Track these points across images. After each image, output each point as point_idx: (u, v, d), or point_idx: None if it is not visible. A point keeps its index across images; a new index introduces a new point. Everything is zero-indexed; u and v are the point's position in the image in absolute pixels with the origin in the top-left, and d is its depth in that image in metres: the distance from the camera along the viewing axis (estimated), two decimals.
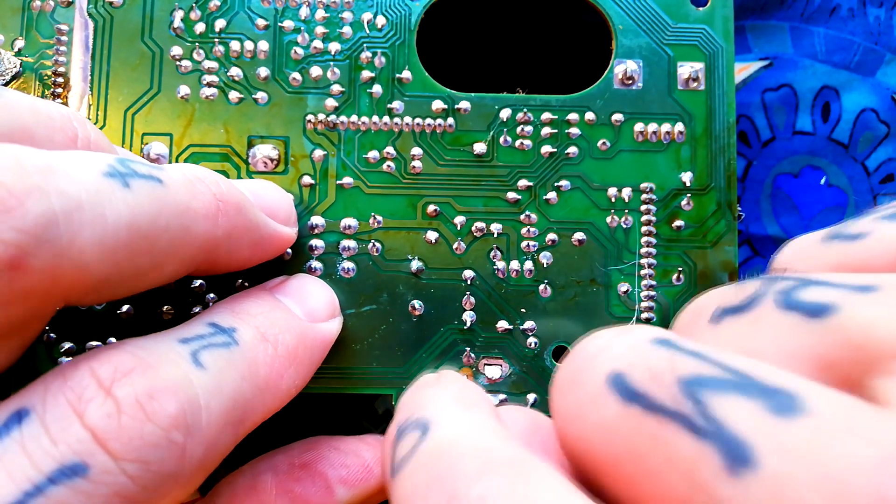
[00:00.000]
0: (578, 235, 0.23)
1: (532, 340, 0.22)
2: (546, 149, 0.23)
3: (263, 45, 0.23)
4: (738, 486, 0.11)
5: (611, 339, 0.14)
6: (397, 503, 0.15)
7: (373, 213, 0.23)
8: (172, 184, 0.17)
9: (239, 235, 0.19)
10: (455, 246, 0.23)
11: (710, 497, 0.11)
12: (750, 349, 0.13)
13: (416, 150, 0.23)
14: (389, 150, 0.23)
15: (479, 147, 0.23)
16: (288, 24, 0.23)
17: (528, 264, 0.23)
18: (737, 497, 0.11)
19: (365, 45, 0.23)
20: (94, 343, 0.21)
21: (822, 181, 0.29)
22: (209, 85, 0.23)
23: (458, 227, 0.23)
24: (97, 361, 0.15)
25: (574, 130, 0.23)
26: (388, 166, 0.23)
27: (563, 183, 0.23)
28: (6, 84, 0.23)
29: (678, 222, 0.23)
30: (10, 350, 0.16)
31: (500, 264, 0.23)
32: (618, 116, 0.23)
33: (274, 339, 0.19)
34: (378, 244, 0.23)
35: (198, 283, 0.22)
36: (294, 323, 0.20)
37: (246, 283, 0.22)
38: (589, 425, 0.13)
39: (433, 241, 0.23)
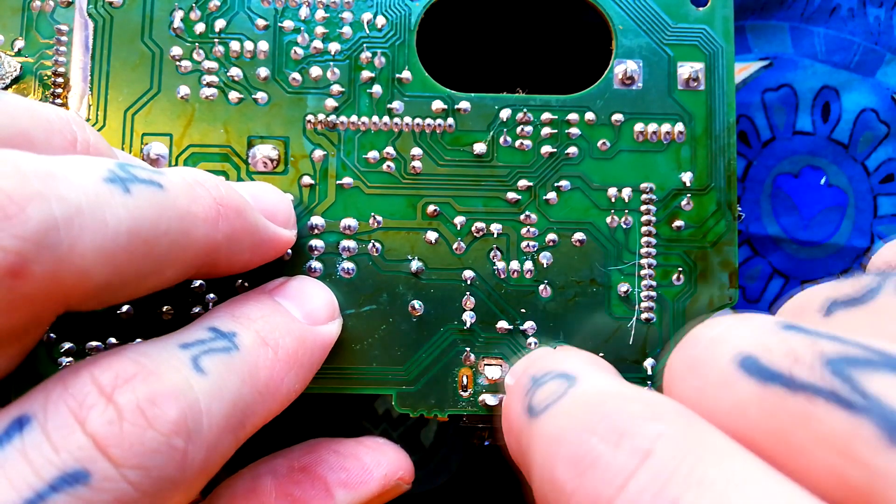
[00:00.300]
0: (578, 235, 0.23)
1: (532, 340, 0.22)
2: (546, 149, 0.23)
3: (263, 46, 0.23)
4: None
5: (732, 325, 0.15)
6: (543, 441, 0.15)
7: (373, 214, 0.23)
8: (172, 188, 0.17)
9: (239, 239, 0.19)
10: (455, 246, 0.23)
11: (868, 468, 0.11)
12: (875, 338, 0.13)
13: (416, 151, 0.23)
14: (389, 150, 0.23)
15: (479, 147, 0.23)
16: (288, 24, 0.23)
17: (528, 264, 0.23)
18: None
19: (365, 45, 0.23)
20: (95, 343, 0.21)
21: (822, 181, 0.29)
22: (209, 85, 0.23)
23: (458, 228, 0.23)
24: (98, 368, 0.15)
25: (574, 130, 0.23)
26: (388, 166, 0.23)
27: (563, 183, 0.23)
28: (6, 87, 0.23)
29: (678, 222, 0.23)
30: (11, 356, 0.16)
31: (500, 264, 0.23)
32: (618, 116, 0.23)
33: (274, 343, 0.19)
34: (378, 244, 0.23)
35: (197, 283, 0.22)
36: (294, 326, 0.20)
37: (246, 284, 0.22)
38: (717, 407, 0.14)
39: (433, 241, 0.23)
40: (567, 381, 0.16)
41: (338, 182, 0.23)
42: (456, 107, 0.23)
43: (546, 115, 0.23)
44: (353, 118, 0.23)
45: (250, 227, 0.19)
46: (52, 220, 0.14)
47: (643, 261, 0.23)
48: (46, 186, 0.14)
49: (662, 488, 0.12)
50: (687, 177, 0.23)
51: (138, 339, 0.22)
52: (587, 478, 0.13)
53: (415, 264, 0.22)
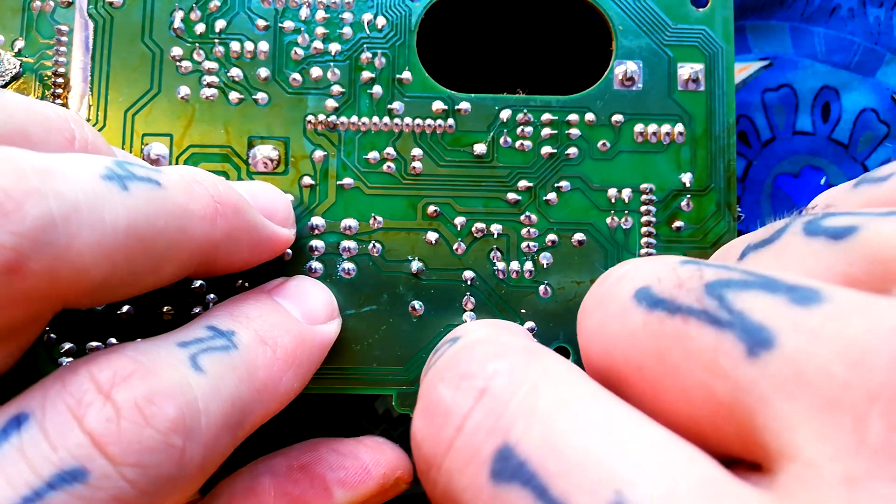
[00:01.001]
0: (578, 236, 0.23)
1: None
2: (546, 149, 0.23)
3: (263, 46, 0.23)
4: (757, 366, 0.11)
5: (637, 264, 0.15)
6: (420, 398, 0.15)
7: (373, 214, 0.23)
8: (170, 186, 0.17)
9: (237, 237, 0.19)
10: (455, 247, 0.23)
11: (730, 381, 0.12)
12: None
13: (417, 151, 0.23)
14: (389, 150, 0.23)
15: (480, 148, 0.23)
16: (288, 24, 0.23)
17: (528, 265, 0.23)
18: (756, 377, 0.11)
19: (365, 45, 0.23)
20: (95, 344, 0.21)
21: (822, 181, 0.29)
22: (209, 85, 0.23)
23: (459, 228, 0.23)
24: (96, 366, 0.15)
25: (574, 131, 0.23)
26: (389, 167, 0.23)
27: (563, 184, 0.23)
28: (5, 85, 0.23)
29: (678, 223, 0.23)
30: (10, 353, 0.16)
31: (500, 265, 0.23)
32: (618, 117, 0.23)
33: (273, 342, 0.19)
34: (378, 245, 0.23)
35: (198, 283, 0.22)
36: (293, 325, 0.20)
37: (246, 284, 0.22)
38: (613, 336, 0.14)
39: (433, 241, 0.23)
40: (450, 343, 0.16)
41: (338, 182, 0.23)
42: (456, 107, 0.23)
43: (546, 116, 0.23)
44: (354, 119, 0.23)
45: (249, 226, 0.19)
46: (49, 217, 0.14)
47: None
48: (44, 183, 0.14)
49: (496, 423, 0.13)
50: (687, 177, 0.23)
51: (138, 340, 0.22)
52: (432, 425, 0.14)
53: (415, 265, 0.22)
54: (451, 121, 0.23)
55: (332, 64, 0.23)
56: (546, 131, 0.23)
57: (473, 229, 0.23)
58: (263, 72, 0.23)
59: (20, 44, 0.23)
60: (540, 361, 0.14)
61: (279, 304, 0.20)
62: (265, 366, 0.18)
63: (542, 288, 0.23)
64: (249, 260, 0.20)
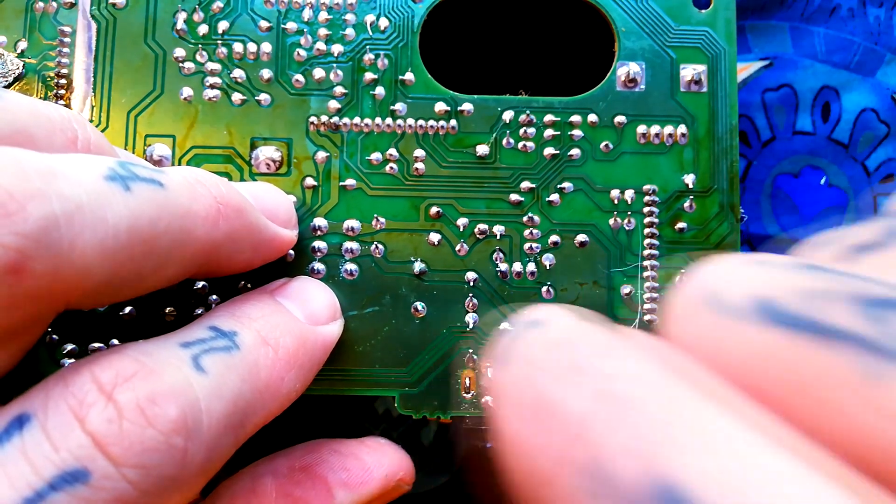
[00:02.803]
0: (581, 237, 0.23)
1: None
2: (549, 151, 0.23)
3: (266, 47, 0.23)
4: None
5: (747, 264, 0.12)
6: (498, 392, 0.12)
7: (375, 215, 0.23)
8: (173, 186, 0.17)
9: (239, 238, 0.19)
10: (458, 248, 0.23)
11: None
12: None
13: (419, 152, 0.23)
14: (392, 151, 0.23)
15: (482, 149, 0.23)
16: (291, 25, 0.23)
17: (531, 266, 0.22)
18: None
19: (368, 46, 0.23)
20: (97, 345, 0.21)
21: (822, 181, 0.29)
22: (212, 87, 0.23)
23: (461, 229, 0.23)
24: (98, 366, 0.15)
25: (577, 132, 0.23)
26: (391, 168, 0.23)
27: (566, 185, 0.23)
28: (8, 86, 0.23)
29: (681, 224, 0.23)
30: (12, 353, 0.16)
31: (503, 266, 0.22)
32: (620, 118, 0.23)
33: (275, 343, 0.18)
34: (381, 246, 0.22)
35: (200, 284, 0.22)
36: (295, 326, 0.20)
37: (248, 285, 0.22)
38: (731, 355, 0.11)
39: (436, 242, 0.23)
40: (532, 327, 0.13)
41: (341, 184, 0.23)
42: (459, 108, 0.23)
43: (549, 117, 0.23)
44: (356, 120, 0.23)
45: (251, 227, 0.19)
46: (52, 218, 0.14)
47: (646, 263, 0.23)
48: (47, 184, 0.14)
49: (637, 441, 0.10)
50: (689, 179, 0.23)
51: (140, 340, 0.22)
52: (541, 428, 0.11)
53: (418, 266, 0.22)
54: (453, 122, 0.23)
55: (334, 65, 0.23)
56: (549, 132, 0.23)
57: (476, 230, 0.23)
58: (266, 73, 0.23)
59: (23, 45, 0.23)
60: (690, 372, 0.11)
61: (281, 305, 0.20)
62: (267, 366, 0.18)
63: (544, 289, 0.22)
64: (251, 261, 0.20)
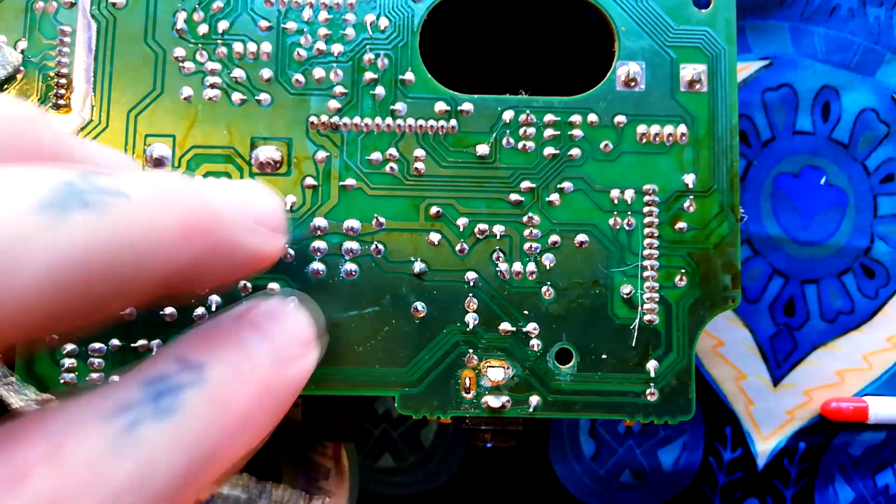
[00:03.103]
0: (581, 237, 0.23)
1: (535, 342, 0.22)
2: (549, 150, 0.23)
3: (266, 47, 0.23)
4: None
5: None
6: None
7: (375, 215, 0.23)
8: (138, 199, 0.14)
9: (218, 253, 0.16)
10: (458, 248, 0.23)
11: None
12: None
13: (419, 152, 0.23)
14: (392, 151, 0.23)
15: (482, 149, 0.23)
16: (291, 25, 0.23)
17: (531, 266, 0.23)
18: None
19: (368, 46, 0.23)
20: (97, 345, 0.21)
21: (823, 181, 0.29)
22: (212, 86, 0.23)
23: (461, 229, 0.23)
24: (20, 449, 0.13)
25: (577, 132, 0.23)
26: (391, 168, 0.23)
27: (566, 185, 0.23)
28: (7, 77, 0.23)
29: (681, 224, 0.23)
30: None
31: (503, 266, 0.23)
32: (620, 118, 0.23)
33: (229, 397, 0.15)
34: (381, 246, 0.22)
35: None
36: (257, 373, 0.16)
37: (248, 285, 0.22)
38: None
39: (436, 242, 0.23)
40: None
41: (341, 183, 0.23)
42: (459, 108, 0.23)
43: (549, 117, 0.23)
44: (356, 119, 0.23)
45: (231, 240, 0.16)
46: None
47: (646, 262, 0.23)
48: None
49: None
50: (689, 179, 0.23)
51: (141, 341, 0.21)
52: None
53: (417, 266, 0.22)
54: (453, 122, 0.23)
55: (334, 65, 0.23)
56: (549, 132, 0.23)
57: (476, 230, 0.23)
58: (266, 72, 0.23)
59: (23, 44, 0.23)
60: None
61: (246, 345, 0.17)
62: (215, 432, 0.15)
63: (544, 289, 0.22)
64: (234, 273, 0.17)
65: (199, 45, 0.23)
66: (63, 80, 0.23)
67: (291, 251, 0.22)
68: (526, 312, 0.22)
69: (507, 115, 0.23)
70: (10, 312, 0.12)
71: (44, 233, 0.13)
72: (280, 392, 0.17)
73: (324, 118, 0.23)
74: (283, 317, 0.18)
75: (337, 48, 0.23)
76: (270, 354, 0.17)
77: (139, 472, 0.13)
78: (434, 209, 0.23)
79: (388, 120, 0.23)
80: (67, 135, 0.17)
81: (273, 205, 0.18)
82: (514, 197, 0.23)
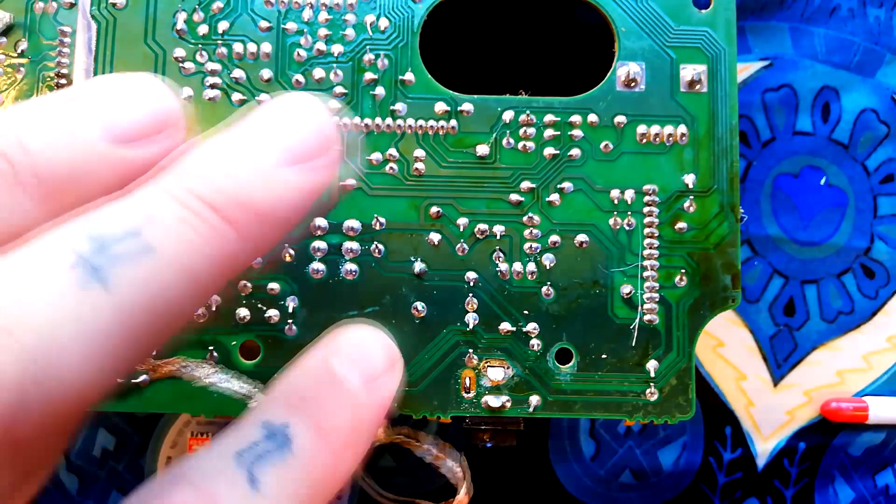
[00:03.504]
0: (581, 237, 0.23)
1: (535, 342, 0.22)
2: (549, 151, 0.23)
3: (266, 47, 0.23)
4: None
5: None
6: None
7: (375, 215, 0.23)
8: (162, 242, 0.14)
9: (255, 243, 0.16)
10: (458, 248, 0.23)
11: None
12: None
13: (419, 152, 0.23)
14: (392, 151, 0.23)
15: (482, 149, 0.23)
16: (291, 25, 0.23)
17: (531, 266, 0.23)
18: None
19: (368, 47, 0.23)
20: None
21: (822, 181, 0.29)
22: (212, 86, 0.23)
23: (461, 229, 0.23)
24: (158, 500, 0.15)
25: (577, 132, 0.23)
26: (391, 168, 0.23)
27: (566, 185, 0.23)
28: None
29: (681, 224, 0.23)
30: (47, 469, 0.15)
31: (503, 266, 0.23)
32: (620, 118, 0.23)
33: (330, 429, 0.17)
34: (381, 246, 0.23)
35: None
36: (350, 400, 0.18)
37: (248, 285, 0.22)
38: None
39: (436, 242, 0.23)
40: None
41: (341, 183, 0.23)
42: (459, 108, 0.23)
43: (549, 117, 0.23)
44: (357, 119, 0.23)
45: (269, 227, 0.16)
46: (28, 363, 0.12)
47: (646, 262, 0.23)
48: (9, 323, 0.12)
49: None
50: (689, 179, 0.23)
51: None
52: None
53: (418, 266, 0.23)
54: (453, 122, 0.23)
55: (334, 65, 0.23)
56: (549, 132, 0.23)
57: (476, 230, 0.23)
58: (266, 73, 0.23)
59: (23, 45, 0.23)
60: None
61: (335, 374, 0.18)
62: (324, 461, 0.17)
63: (544, 289, 0.23)
64: (277, 239, 0.16)
65: (200, 46, 0.23)
66: (63, 81, 0.23)
67: (291, 251, 0.22)
68: (526, 312, 0.23)
69: (508, 116, 0.23)
70: (74, 390, 0.13)
71: (88, 303, 0.13)
72: (371, 413, 0.18)
73: None
74: (364, 341, 0.19)
75: (337, 49, 0.23)
76: (360, 375, 0.18)
77: (276, 499, 0.15)
78: (434, 209, 0.23)
79: (389, 120, 0.23)
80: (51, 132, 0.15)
81: (314, 127, 0.16)
82: (514, 197, 0.23)
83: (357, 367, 0.18)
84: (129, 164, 0.15)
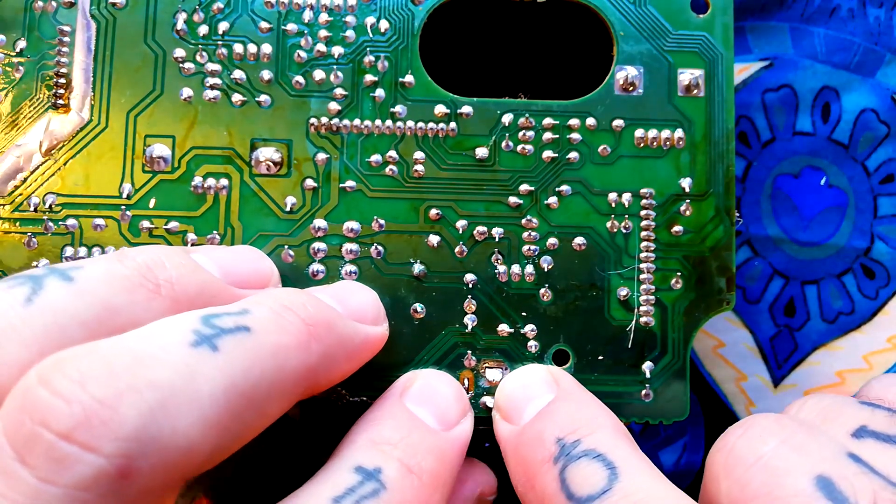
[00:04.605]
0: (579, 240, 0.23)
1: (533, 344, 0.23)
2: (547, 154, 0.24)
3: (266, 48, 0.24)
4: None
5: (804, 439, 0.17)
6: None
7: (375, 217, 0.23)
8: (260, 326, 0.17)
9: (333, 354, 0.19)
10: (457, 250, 0.23)
11: None
12: None
13: (419, 154, 0.24)
14: (392, 153, 0.23)
15: (482, 151, 0.24)
16: (291, 27, 0.24)
17: (529, 268, 0.23)
18: None
19: (368, 49, 0.24)
20: None
21: (823, 182, 0.29)
22: (212, 87, 0.24)
23: (460, 231, 0.23)
24: None
25: (575, 136, 0.24)
26: (391, 170, 0.23)
27: (564, 188, 0.24)
28: None
29: (677, 228, 0.24)
30: None
31: (502, 268, 0.23)
32: (618, 122, 0.24)
33: (418, 469, 0.19)
34: (380, 248, 0.23)
35: None
36: (433, 441, 0.20)
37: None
38: None
39: (435, 244, 0.23)
40: (608, 471, 0.17)
41: (340, 185, 0.23)
42: (458, 111, 0.24)
43: (548, 120, 0.24)
44: (357, 122, 0.24)
45: (343, 339, 0.20)
46: (148, 413, 0.14)
47: (642, 265, 0.23)
48: (135, 377, 0.14)
49: None
50: (686, 182, 0.24)
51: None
52: None
53: (417, 268, 0.23)
54: (453, 124, 0.24)
55: (334, 67, 0.24)
56: (547, 135, 0.24)
57: (475, 232, 0.23)
58: (266, 74, 0.24)
59: (22, 44, 0.24)
60: None
61: (415, 416, 0.20)
62: (415, 498, 0.18)
63: (542, 291, 0.23)
64: (348, 370, 0.20)
65: (200, 46, 0.24)
66: (62, 80, 0.23)
67: (291, 252, 0.23)
68: (524, 314, 0.23)
69: (507, 119, 0.24)
70: (184, 450, 0.15)
71: (201, 367, 0.15)
72: (452, 454, 0.20)
73: (324, 120, 0.24)
74: (438, 385, 0.22)
75: (337, 50, 0.24)
76: (437, 419, 0.21)
77: None
78: (433, 211, 0.23)
79: (388, 122, 0.24)
80: (187, 268, 0.19)
81: (369, 296, 0.22)
82: (512, 200, 0.24)
83: (434, 410, 0.20)
84: (237, 297, 0.19)
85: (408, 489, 0.18)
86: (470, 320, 0.23)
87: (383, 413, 0.20)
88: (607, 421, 0.20)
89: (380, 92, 0.24)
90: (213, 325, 0.16)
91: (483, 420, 0.23)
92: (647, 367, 0.23)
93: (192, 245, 0.23)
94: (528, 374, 0.22)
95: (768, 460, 0.16)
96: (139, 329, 0.16)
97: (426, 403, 0.21)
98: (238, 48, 0.24)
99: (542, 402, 0.21)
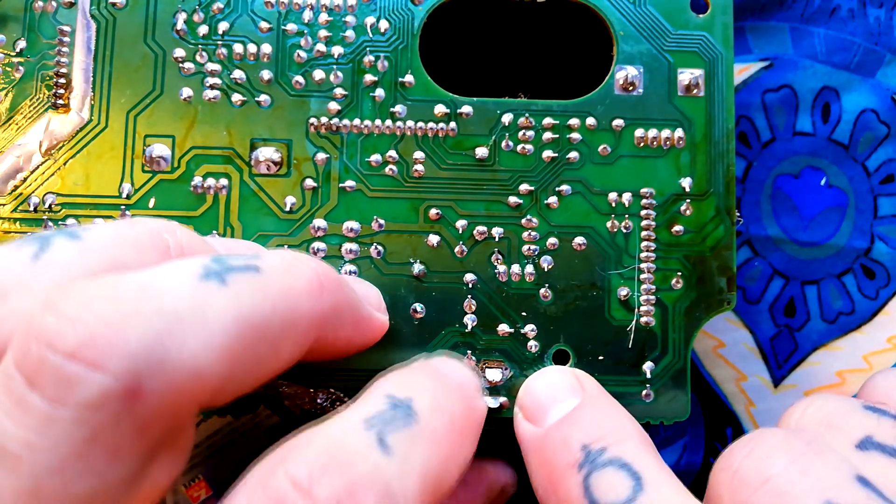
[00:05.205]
0: (579, 240, 0.24)
1: (533, 343, 0.23)
2: (547, 153, 0.24)
3: (266, 48, 0.24)
4: None
5: (811, 460, 0.17)
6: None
7: (375, 217, 0.24)
8: (270, 269, 0.17)
9: (342, 312, 0.19)
10: (457, 249, 0.23)
11: None
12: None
13: (419, 154, 0.24)
14: (392, 153, 0.24)
15: (481, 151, 0.24)
16: (291, 27, 0.24)
17: (529, 268, 0.24)
18: None
19: (368, 48, 0.24)
20: None
21: (823, 182, 0.30)
22: (212, 87, 0.24)
23: (460, 231, 0.24)
24: (291, 463, 0.16)
25: (575, 135, 0.24)
26: (391, 170, 0.24)
27: (564, 187, 0.24)
28: None
29: (677, 227, 0.24)
30: (174, 463, 0.16)
31: (502, 268, 0.23)
32: (618, 122, 0.24)
33: (450, 410, 0.19)
34: (380, 247, 0.23)
35: None
36: (461, 393, 0.20)
37: None
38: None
39: (435, 244, 0.24)
40: (632, 481, 0.18)
41: (340, 185, 0.24)
42: (458, 111, 0.24)
43: (548, 120, 0.24)
44: (356, 121, 0.24)
45: (351, 301, 0.20)
46: (153, 334, 0.14)
47: (643, 265, 0.24)
48: (141, 302, 0.15)
49: None
50: (686, 182, 0.24)
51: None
52: None
53: (417, 267, 0.23)
54: (453, 124, 0.24)
55: (334, 67, 0.24)
56: (547, 135, 0.24)
57: (475, 232, 0.24)
58: (266, 74, 0.24)
59: (22, 44, 0.24)
60: None
61: (444, 373, 0.21)
62: (446, 435, 0.18)
63: (542, 291, 0.23)
64: (352, 339, 0.21)
65: (199, 46, 0.24)
66: (62, 80, 0.24)
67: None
68: (524, 314, 0.23)
69: (507, 118, 0.24)
70: (192, 374, 0.15)
71: (209, 297, 0.16)
72: (477, 413, 0.20)
73: (324, 120, 0.24)
74: (455, 365, 0.21)
75: (337, 50, 0.24)
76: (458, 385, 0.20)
77: (404, 464, 0.17)
78: (433, 211, 0.24)
79: (388, 122, 0.24)
80: (196, 237, 0.19)
81: (372, 289, 0.23)
82: (512, 199, 0.24)
83: (456, 377, 0.20)
84: None
85: (439, 424, 0.18)
86: (470, 320, 0.23)
87: (412, 367, 0.20)
88: (634, 431, 0.20)
89: (380, 92, 0.24)
90: (222, 263, 0.16)
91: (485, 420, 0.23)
92: (647, 367, 0.23)
93: None
94: (554, 375, 0.22)
95: (775, 483, 0.17)
96: (147, 269, 0.16)
97: (449, 370, 0.21)
98: (238, 48, 0.24)
99: (568, 405, 0.21)
